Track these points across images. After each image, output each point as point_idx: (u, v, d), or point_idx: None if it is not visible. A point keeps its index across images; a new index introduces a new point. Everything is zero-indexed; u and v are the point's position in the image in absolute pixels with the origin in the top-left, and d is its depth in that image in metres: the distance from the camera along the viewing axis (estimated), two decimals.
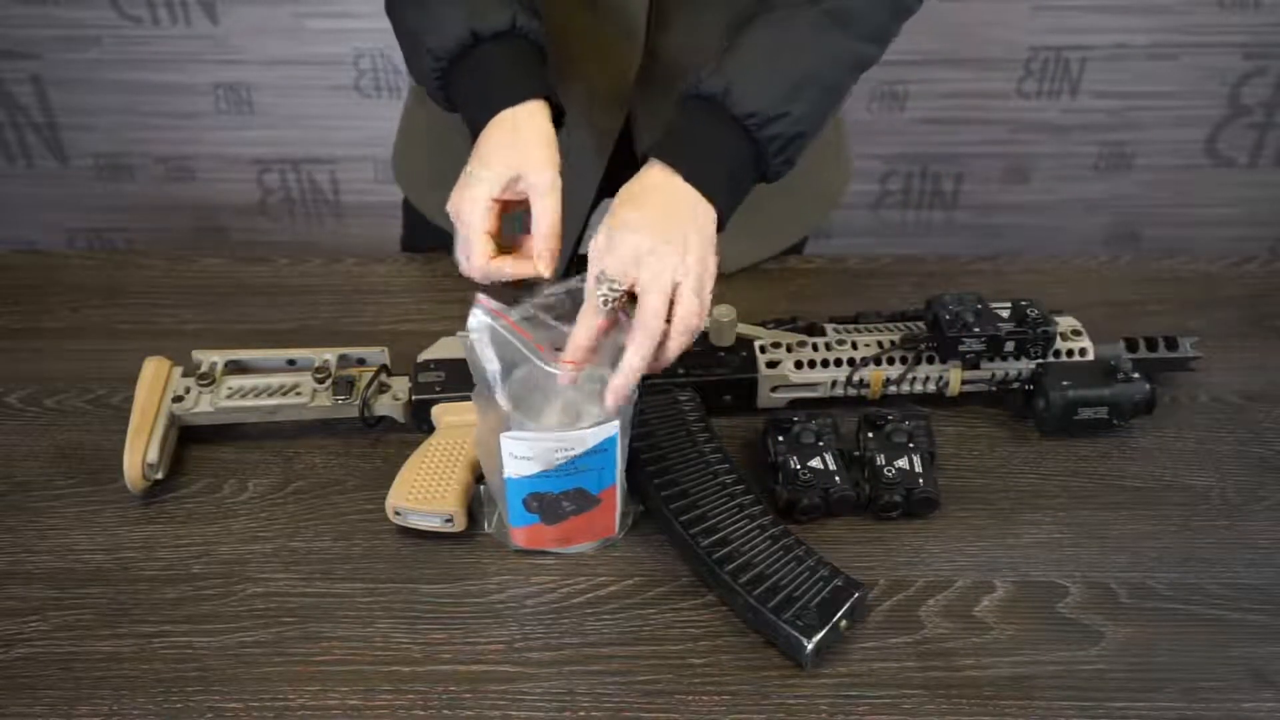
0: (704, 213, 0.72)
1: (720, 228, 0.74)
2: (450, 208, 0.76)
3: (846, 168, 1.10)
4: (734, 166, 0.75)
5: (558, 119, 0.79)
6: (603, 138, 0.93)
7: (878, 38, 0.79)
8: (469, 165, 0.76)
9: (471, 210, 0.75)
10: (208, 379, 0.85)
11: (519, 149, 0.75)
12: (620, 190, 0.73)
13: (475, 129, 0.78)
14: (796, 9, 0.75)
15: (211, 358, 0.87)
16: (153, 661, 0.71)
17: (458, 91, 0.80)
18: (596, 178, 0.95)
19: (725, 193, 0.73)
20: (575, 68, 0.89)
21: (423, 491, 0.78)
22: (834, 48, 0.76)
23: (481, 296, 0.70)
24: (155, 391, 0.84)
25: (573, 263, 1.01)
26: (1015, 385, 0.89)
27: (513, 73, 0.77)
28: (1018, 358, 0.88)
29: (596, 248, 0.70)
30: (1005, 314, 0.87)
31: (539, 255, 0.74)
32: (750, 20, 0.76)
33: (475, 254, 0.75)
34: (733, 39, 0.76)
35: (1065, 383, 0.86)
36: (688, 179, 0.72)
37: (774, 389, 0.88)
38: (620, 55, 0.88)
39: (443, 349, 0.88)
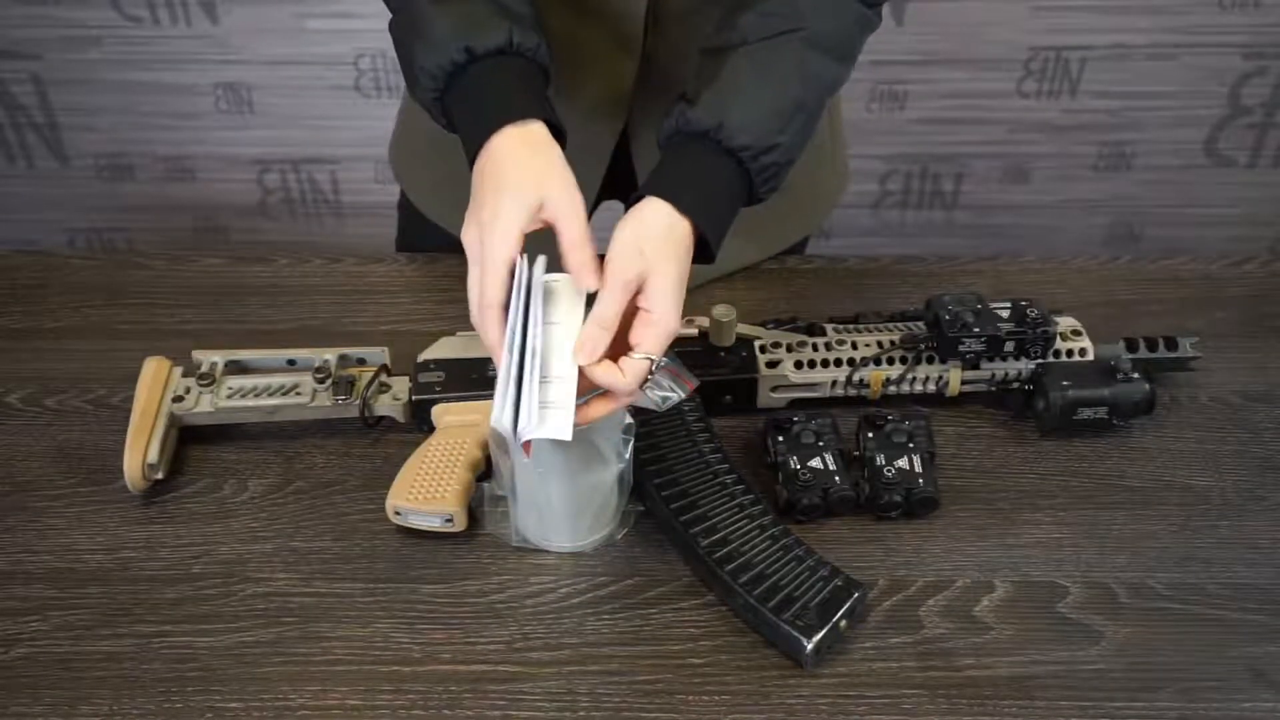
0: (684, 234, 0.71)
1: (711, 258, 0.73)
2: (468, 239, 0.70)
3: (844, 170, 1.11)
4: (730, 196, 0.75)
5: (560, 140, 0.75)
6: (602, 143, 0.94)
7: (850, 57, 0.80)
8: (483, 193, 0.70)
9: (502, 245, 0.68)
10: (208, 379, 0.85)
11: (539, 171, 0.71)
12: (627, 225, 0.71)
13: (472, 152, 0.74)
14: (776, 39, 0.75)
15: (211, 358, 0.87)
16: (152, 661, 0.71)
17: (455, 113, 0.77)
18: (597, 182, 0.96)
19: (721, 223, 0.74)
20: (575, 77, 0.90)
21: (423, 491, 0.78)
22: (815, 74, 0.77)
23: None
24: (155, 391, 0.84)
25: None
26: (1015, 385, 0.89)
27: (513, 91, 0.74)
28: (1017, 358, 0.88)
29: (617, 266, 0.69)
30: (1005, 314, 0.87)
31: (578, 275, 0.69)
32: (727, 52, 0.75)
33: (500, 290, 0.68)
34: (711, 70, 0.75)
35: (1065, 383, 0.86)
36: (687, 214, 0.70)
37: (774, 389, 0.88)
38: (618, 64, 0.88)
39: (443, 349, 0.87)
